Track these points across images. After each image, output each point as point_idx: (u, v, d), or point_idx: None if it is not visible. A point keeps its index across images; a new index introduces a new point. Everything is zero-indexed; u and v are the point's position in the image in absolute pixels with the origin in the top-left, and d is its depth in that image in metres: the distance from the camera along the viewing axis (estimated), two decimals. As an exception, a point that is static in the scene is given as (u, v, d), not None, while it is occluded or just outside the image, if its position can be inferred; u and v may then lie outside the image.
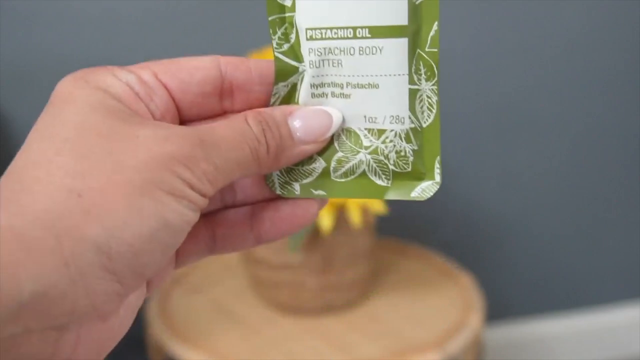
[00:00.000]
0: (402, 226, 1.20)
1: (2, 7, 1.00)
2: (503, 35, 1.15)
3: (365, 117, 0.32)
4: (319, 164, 0.32)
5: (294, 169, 0.32)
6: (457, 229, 1.25)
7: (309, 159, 0.32)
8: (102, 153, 0.26)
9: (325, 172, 0.32)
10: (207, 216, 0.33)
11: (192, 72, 0.31)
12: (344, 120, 0.32)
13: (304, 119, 0.31)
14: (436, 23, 0.31)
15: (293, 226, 0.32)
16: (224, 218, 0.33)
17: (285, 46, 0.32)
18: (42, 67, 1.03)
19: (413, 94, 0.31)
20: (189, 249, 0.32)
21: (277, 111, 0.31)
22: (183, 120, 0.32)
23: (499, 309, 1.31)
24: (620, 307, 1.38)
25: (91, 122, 0.27)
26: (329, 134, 0.32)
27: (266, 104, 0.32)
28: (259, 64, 0.32)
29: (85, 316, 0.25)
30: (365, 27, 0.31)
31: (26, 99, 1.04)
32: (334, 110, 0.32)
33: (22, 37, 1.01)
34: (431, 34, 0.31)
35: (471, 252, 1.27)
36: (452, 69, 1.15)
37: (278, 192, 0.32)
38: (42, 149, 0.27)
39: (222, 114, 0.32)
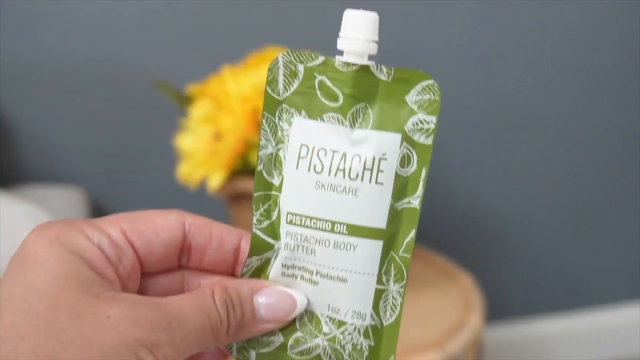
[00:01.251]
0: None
1: (2, 7, 1.00)
2: (503, 35, 1.15)
3: (329, 306, 0.32)
4: (278, 338, 0.33)
5: (254, 337, 0.33)
6: (457, 229, 1.25)
7: (269, 334, 0.33)
8: (73, 333, 0.27)
9: (283, 347, 0.33)
10: None
11: (158, 231, 0.32)
12: (308, 303, 0.33)
13: (270, 299, 0.32)
14: (413, 230, 0.32)
15: None
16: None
17: (265, 223, 0.33)
18: (42, 67, 1.03)
19: (379, 294, 0.32)
20: None
21: (245, 287, 0.32)
22: (144, 274, 0.33)
23: (499, 309, 1.31)
24: (620, 307, 1.38)
25: (65, 296, 0.28)
26: (291, 317, 0.32)
27: (219, 268, 0.34)
28: (220, 231, 0.33)
29: None
30: (343, 224, 0.31)
31: (26, 99, 1.04)
32: (300, 296, 0.32)
33: (22, 37, 1.01)
34: (407, 240, 0.32)
35: (471, 252, 1.27)
36: (452, 69, 1.15)
37: (234, 356, 0.33)
38: (13, 323, 0.27)
39: (178, 269, 0.34)
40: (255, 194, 0.33)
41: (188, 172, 0.85)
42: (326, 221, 0.32)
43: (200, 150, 0.85)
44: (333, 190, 0.31)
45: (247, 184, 0.84)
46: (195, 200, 1.11)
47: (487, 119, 1.20)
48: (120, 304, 0.29)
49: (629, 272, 1.36)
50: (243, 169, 0.85)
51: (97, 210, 1.11)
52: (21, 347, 0.26)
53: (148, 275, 0.33)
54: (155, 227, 0.32)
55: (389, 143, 0.31)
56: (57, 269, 0.28)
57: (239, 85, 0.84)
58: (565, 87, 1.21)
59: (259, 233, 0.33)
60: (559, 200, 1.28)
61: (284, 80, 0.32)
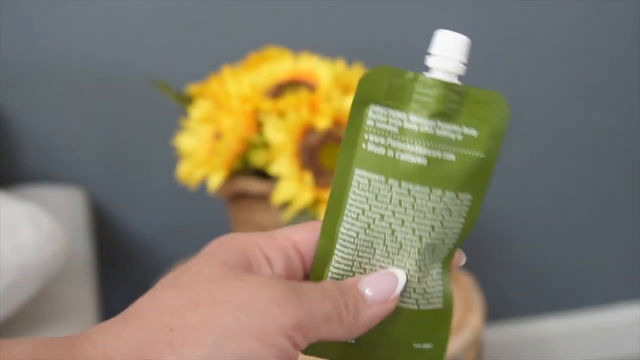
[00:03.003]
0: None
1: (2, 7, 1.00)
2: (503, 36, 1.15)
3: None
4: None
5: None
6: (457, 229, 1.25)
7: None
8: (206, 295, 0.29)
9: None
10: None
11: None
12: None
13: (372, 283, 0.34)
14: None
15: None
16: None
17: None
18: (42, 67, 1.03)
19: None
20: None
21: (346, 281, 0.34)
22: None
23: (499, 309, 1.31)
24: (620, 307, 1.38)
25: (208, 271, 0.30)
26: (397, 292, 0.34)
27: None
28: None
29: None
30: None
31: (26, 99, 1.04)
32: (399, 271, 0.34)
33: (22, 37, 1.01)
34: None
35: (471, 252, 1.27)
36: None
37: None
38: (159, 291, 0.30)
39: None
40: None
41: (188, 172, 0.85)
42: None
43: (200, 150, 0.85)
44: None
45: (247, 184, 0.84)
46: (195, 200, 1.11)
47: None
48: (254, 274, 0.31)
49: (629, 272, 1.36)
50: (243, 169, 0.85)
51: (97, 210, 1.11)
52: (155, 305, 0.29)
53: None
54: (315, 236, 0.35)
55: None
56: (214, 257, 0.31)
57: (239, 85, 0.84)
58: (565, 87, 1.21)
59: None
60: (559, 200, 1.28)
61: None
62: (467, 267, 1.21)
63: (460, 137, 0.34)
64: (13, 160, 1.07)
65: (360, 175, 0.34)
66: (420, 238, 0.34)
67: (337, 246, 0.34)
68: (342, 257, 0.34)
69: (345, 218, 0.34)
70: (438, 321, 0.35)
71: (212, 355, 0.27)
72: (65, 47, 1.03)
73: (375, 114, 0.34)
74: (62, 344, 0.27)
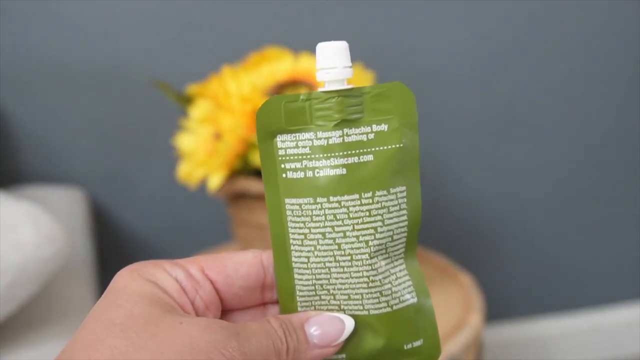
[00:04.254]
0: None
1: (2, 7, 1.00)
2: (503, 36, 1.15)
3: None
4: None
5: None
6: (457, 229, 1.25)
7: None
8: (147, 336, 0.29)
9: None
10: None
11: (237, 267, 0.34)
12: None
13: (319, 325, 0.34)
14: None
15: None
16: None
17: None
18: (42, 67, 1.03)
19: None
20: None
21: (295, 318, 0.34)
22: (225, 311, 0.35)
23: (499, 309, 1.31)
24: (620, 307, 1.38)
25: (140, 309, 0.31)
26: (342, 339, 0.34)
27: None
28: None
29: None
30: None
31: (26, 99, 1.04)
32: (347, 317, 0.34)
33: (22, 37, 1.01)
34: None
35: (471, 252, 1.27)
36: (452, 69, 1.15)
37: None
38: (94, 331, 0.30)
39: (262, 304, 0.36)
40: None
41: (188, 172, 0.85)
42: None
43: (200, 150, 0.85)
44: None
45: (247, 184, 0.84)
46: (195, 200, 1.11)
47: (486, 119, 1.20)
48: (192, 317, 0.31)
49: (629, 272, 1.36)
50: (243, 168, 0.85)
51: (97, 210, 1.11)
52: (100, 348, 0.29)
53: (231, 312, 0.35)
54: (234, 264, 0.34)
55: None
56: (135, 292, 0.31)
57: (239, 85, 0.84)
58: (565, 87, 1.21)
59: None
60: (559, 200, 1.28)
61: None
62: (467, 267, 1.21)
63: (372, 136, 0.34)
64: (13, 160, 1.07)
65: (290, 204, 0.35)
66: (367, 243, 0.34)
67: (295, 275, 0.35)
68: (303, 285, 0.35)
69: (292, 247, 0.35)
70: (419, 315, 0.35)
71: None
72: (65, 47, 1.03)
73: (283, 142, 0.35)
74: None
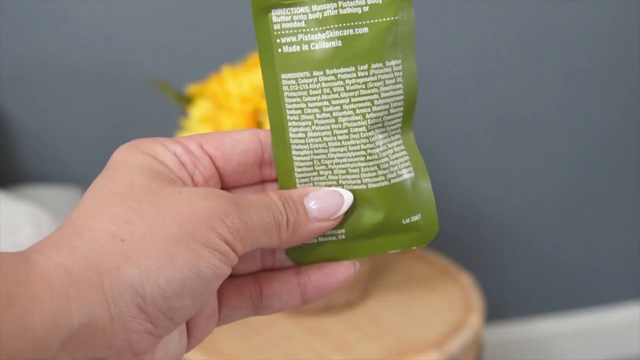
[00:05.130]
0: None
1: (2, 7, 1.00)
2: (503, 36, 1.15)
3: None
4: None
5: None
6: (457, 229, 1.25)
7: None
8: (147, 204, 0.30)
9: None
10: (255, 274, 0.36)
11: (235, 143, 0.34)
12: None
13: (318, 199, 0.34)
14: None
15: (335, 283, 0.35)
16: (272, 276, 0.36)
17: None
18: (42, 67, 1.03)
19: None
20: (235, 303, 0.35)
21: (294, 192, 0.34)
22: (225, 187, 0.35)
23: (498, 309, 1.31)
24: (620, 307, 1.38)
25: (140, 180, 0.31)
26: (341, 212, 0.34)
27: None
28: None
29: (122, 351, 0.28)
30: None
31: (26, 99, 1.04)
32: (346, 191, 0.35)
33: (22, 37, 1.01)
34: None
35: (471, 252, 1.27)
36: (452, 69, 1.15)
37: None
38: (94, 202, 0.30)
39: (261, 181, 0.36)
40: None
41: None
42: None
43: (200, 150, 0.85)
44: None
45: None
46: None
47: (486, 119, 1.20)
48: (192, 187, 0.31)
49: (629, 272, 1.36)
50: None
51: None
52: (100, 217, 0.29)
53: (229, 189, 0.35)
54: (231, 140, 0.34)
55: None
56: (134, 164, 0.31)
57: (239, 85, 0.84)
58: (565, 87, 1.21)
59: None
60: (559, 200, 1.28)
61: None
62: (467, 267, 1.21)
63: (366, 9, 0.34)
64: (13, 160, 1.07)
65: (286, 79, 0.35)
66: (364, 115, 0.34)
67: (293, 152, 0.35)
68: (301, 161, 0.35)
69: (289, 123, 0.35)
70: (416, 190, 0.36)
71: (166, 261, 0.28)
72: (65, 47, 1.03)
73: (278, 17, 0.35)
74: (15, 257, 0.27)
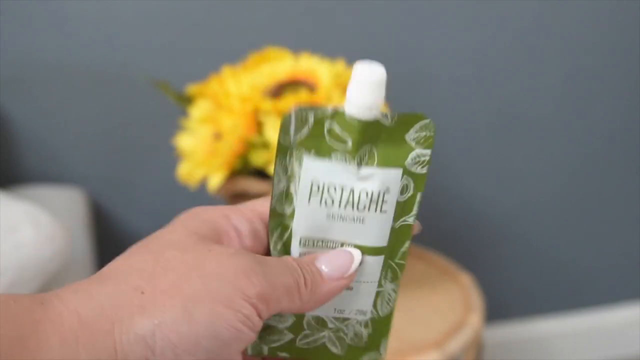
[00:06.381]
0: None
1: (2, 7, 1.00)
2: (503, 36, 1.15)
3: (334, 309, 0.37)
4: (288, 336, 0.37)
5: (266, 337, 0.37)
6: (457, 229, 1.25)
7: (279, 332, 0.37)
8: (177, 262, 0.30)
9: (292, 341, 0.37)
10: None
11: None
12: (316, 310, 0.36)
13: (328, 260, 0.35)
14: (408, 242, 0.37)
15: None
16: None
17: (279, 245, 0.36)
18: (42, 67, 1.03)
19: (377, 294, 0.37)
20: None
21: (305, 257, 0.35)
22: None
23: (498, 309, 1.31)
24: (620, 307, 1.38)
25: (177, 239, 0.31)
26: (353, 269, 0.35)
27: None
28: None
29: None
30: (351, 244, 0.36)
31: (26, 99, 1.04)
32: (354, 249, 0.35)
33: (22, 37, 1.01)
34: (402, 249, 0.37)
35: (471, 252, 1.27)
36: (451, 69, 1.15)
37: (249, 352, 0.36)
38: (130, 256, 0.31)
39: None
40: (270, 227, 0.36)
41: (188, 172, 0.85)
42: (336, 242, 0.36)
43: (200, 150, 0.85)
44: (343, 220, 0.35)
45: (247, 184, 0.84)
46: (195, 200, 1.11)
47: (486, 119, 1.20)
48: (221, 246, 0.32)
49: (629, 272, 1.36)
50: (243, 168, 0.85)
51: (97, 210, 1.11)
52: (128, 269, 0.30)
53: None
54: None
55: (392, 178, 0.35)
56: (181, 226, 0.32)
57: (239, 85, 0.84)
58: (565, 87, 1.21)
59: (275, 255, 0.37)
60: (559, 201, 1.28)
61: (295, 127, 0.35)
62: (467, 267, 1.21)
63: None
64: (13, 160, 1.07)
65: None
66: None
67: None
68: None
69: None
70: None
71: (183, 317, 0.28)
72: (65, 47, 1.03)
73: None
74: (31, 300, 0.27)
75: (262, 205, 0.35)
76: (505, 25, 1.15)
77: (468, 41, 1.14)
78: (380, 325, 0.38)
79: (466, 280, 0.99)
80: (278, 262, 0.33)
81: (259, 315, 0.30)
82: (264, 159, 0.82)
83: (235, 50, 1.02)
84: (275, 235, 0.36)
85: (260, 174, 0.85)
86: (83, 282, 0.29)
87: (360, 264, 0.36)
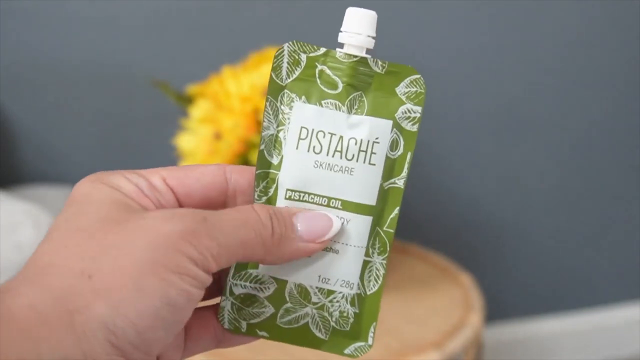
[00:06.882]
0: (402, 226, 1.20)
1: (2, 7, 1.00)
2: (503, 36, 1.15)
3: (319, 277, 0.35)
4: (268, 309, 0.35)
5: (244, 309, 0.35)
6: (457, 229, 1.25)
7: (260, 303, 0.35)
8: (114, 237, 0.29)
9: (272, 317, 0.35)
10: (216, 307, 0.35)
11: (199, 177, 0.34)
12: (299, 275, 0.35)
13: (306, 220, 0.33)
14: (397, 208, 0.36)
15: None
16: None
17: (263, 199, 0.35)
18: (42, 67, 1.03)
19: (365, 265, 0.35)
20: (198, 335, 0.34)
21: (284, 209, 0.33)
22: None
23: (498, 309, 1.31)
24: (620, 307, 1.38)
25: (105, 213, 0.30)
26: (329, 236, 0.34)
27: None
28: None
29: None
30: (339, 200, 0.34)
31: (26, 99, 1.04)
32: (334, 217, 0.34)
33: (22, 37, 1.01)
34: (391, 216, 0.36)
35: (471, 252, 1.27)
36: (452, 69, 1.15)
37: (226, 326, 0.35)
38: (60, 238, 0.29)
39: None
40: (257, 172, 0.35)
41: (188, 172, 0.85)
42: (323, 197, 0.34)
43: (201, 150, 0.85)
44: (330, 169, 0.34)
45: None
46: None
47: (487, 119, 1.20)
48: (156, 210, 0.30)
49: (629, 272, 1.36)
50: (243, 169, 0.84)
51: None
52: (66, 254, 0.28)
53: None
54: (195, 174, 0.34)
55: (382, 128, 0.35)
56: (98, 198, 0.31)
57: (239, 85, 0.84)
58: (565, 87, 1.21)
59: None
60: (559, 201, 1.28)
61: (288, 68, 0.35)
62: (467, 267, 1.21)
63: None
64: (13, 160, 1.07)
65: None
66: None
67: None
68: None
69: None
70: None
71: (136, 294, 0.27)
72: (66, 47, 1.03)
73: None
74: None
75: (164, 171, 0.34)
76: (506, 25, 1.15)
77: (468, 41, 1.14)
78: (368, 305, 0.36)
79: (466, 280, 0.99)
80: (234, 215, 0.31)
81: (207, 272, 0.29)
82: (264, 159, 0.82)
83: (235, 50, 1.02)
84: (261, 187, 0.35)
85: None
86: (28, 273, 0.28)
87: (348, 223, 0.34)
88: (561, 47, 1.19)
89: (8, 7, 1.00)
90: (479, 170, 1.23)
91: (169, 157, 1.04)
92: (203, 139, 0.85)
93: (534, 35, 1.17)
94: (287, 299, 0.35)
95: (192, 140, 0.85)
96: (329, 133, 0.34)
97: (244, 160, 0.84)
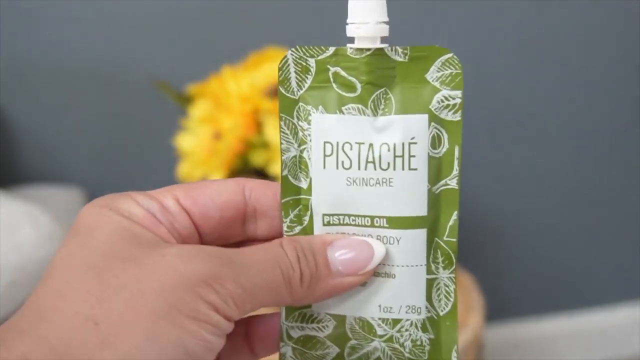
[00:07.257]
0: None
1: (2, 7, 1.00)
2: (503, 36, 1.15)
3: (380, 306, 0.30)
4: (333, 349, 0.31)
5: (307, 352, 0.31)
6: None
7: (322, 344, 0.31)
8: (126, 277, 0.25)
9: (339, 357, 0.31)
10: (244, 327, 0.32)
11: (214, 196, 0.30)
12: (358, 308, 0.30)
13: (345, 250, 0.29)
14: (456, 212, 0.31)
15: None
16: (258, 321, 0.32)
17: (297, 229, 0.30)
18: (42, 67, 1.03)
19: (430, 284, 0.30)
20: (231, 358, 0.31)
21: (317, 239, 0.29)
22: (204, 243, 0.30)
23: (499, 309, 1.31)
24: (620, 307, 1.38)
25: (117, 248, 0.26)
26: (370, 267, 0.29)
27: None
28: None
29: None
30: (383, 217, 0.30)
31: (26, 99, 1.04)
32: (377, 243, 0.30)
33: (22, 37, 1.01)
34: (450, 223, 0.31)
35: (471, 252, 1.27)
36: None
37: None
38: (65, 277, 0.26)
39: (245, 240, 0.31)
40: (284, 201, 0.30)
41: (188, 171, 0.85)
42: (364, 217, 0.30)
43: (200, 150, 0.85)
44: (365, 185, 0.29)
45: (247, 184, 0.84)
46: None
47: (487, 118, 1.20)
48: (177, 245, 0.27)
49: (629, 272, 1.36)
50: (243, 168, 0.85)
51: (97, 210, 1.10)
52: (70, 295, 0.25)
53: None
54: (212, 193, 0.30)
55: (417, 125, 0.30)
56: (108, 229, 0.27)
57: (239, 85, 0.84)
58: (565, 87, 1.21)
59: None
60: (559, 200, 1.28)
61: (297, 78, 0.30)
62: (467, 267, 1.21)
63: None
64: (13, 160, 1.07)
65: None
66: None
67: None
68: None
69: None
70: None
71: (148, 343, 0.24)
72: (66, 47, 1.03)
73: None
74: None
75: (177, 190, 0.30)
76: (506, 25, 1.15)
77: (468, 41, 1.14)
78: (444, 328, 0.31)
79: (466, 280, 0.99)
80: (260, 255, 0.28)
81: (229, 320, 0.26)
82: (263, 158, 0.82)
83: (235, 50, 1.02)
84: (291, 217, 0.30)
85: (260, 174, 0.85)
86: (24, 318, 0.25)
87: (398, 242, 0.29)
88: (562, 47, 1.19)
89: (8, 7, 1.00)
90: (479, 169, 1.23)
91: (168, 157, 1.04)
92: (203, 139, 0.85)
93: (534, 35, 1.17)
94: (350, 336, 0.31)
95: (191, 140, 0.85)
96: (356, 143, 0.29)
97: (243, 160, 0.84)
